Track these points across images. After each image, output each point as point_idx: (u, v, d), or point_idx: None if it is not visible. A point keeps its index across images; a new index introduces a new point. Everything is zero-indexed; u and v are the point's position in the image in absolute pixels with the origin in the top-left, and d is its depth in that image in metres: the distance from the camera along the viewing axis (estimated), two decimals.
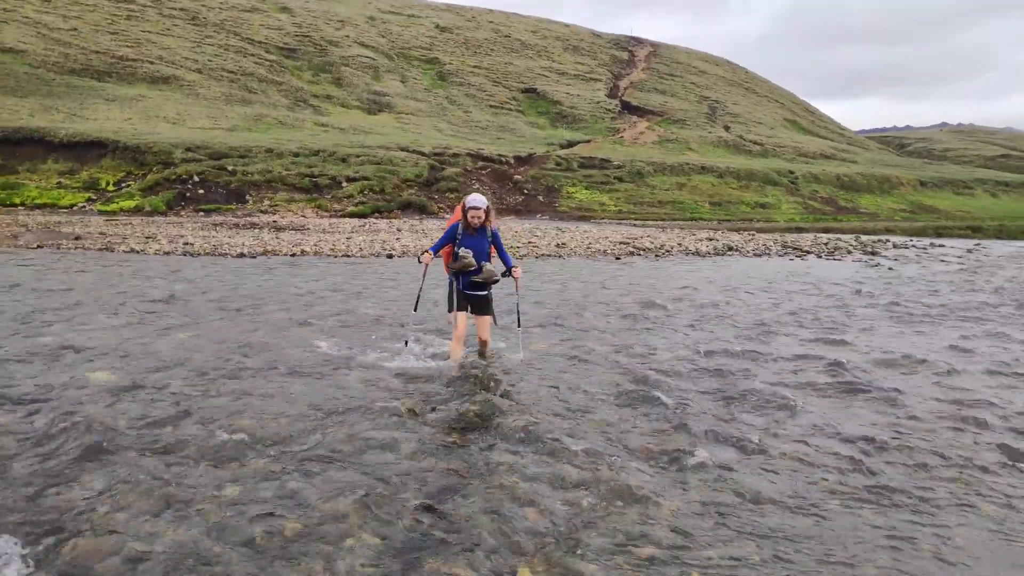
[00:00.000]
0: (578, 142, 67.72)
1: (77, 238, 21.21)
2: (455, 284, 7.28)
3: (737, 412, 6.22)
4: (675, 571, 3.60)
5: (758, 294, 13.75)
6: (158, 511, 4.04)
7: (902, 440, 5.57)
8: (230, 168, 41.45)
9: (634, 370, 7.52)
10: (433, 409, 5.94)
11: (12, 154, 40.03)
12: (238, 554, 3.62)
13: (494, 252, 7.46)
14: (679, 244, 24.79)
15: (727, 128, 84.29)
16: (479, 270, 7.15)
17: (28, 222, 26.80)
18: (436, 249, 7.24)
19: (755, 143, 79.56)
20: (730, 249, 23.74)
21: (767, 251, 23.76)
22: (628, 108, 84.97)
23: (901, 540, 3.98)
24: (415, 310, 8.13)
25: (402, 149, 50.53)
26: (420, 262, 7.10)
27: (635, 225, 39.14)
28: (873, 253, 24.96)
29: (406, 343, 7.77)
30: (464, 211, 7.12)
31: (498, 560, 3.66)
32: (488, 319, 7.46)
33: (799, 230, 40.83)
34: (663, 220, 46.32)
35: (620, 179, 55.41)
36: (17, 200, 36.64)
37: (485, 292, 7.33)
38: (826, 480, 4.79)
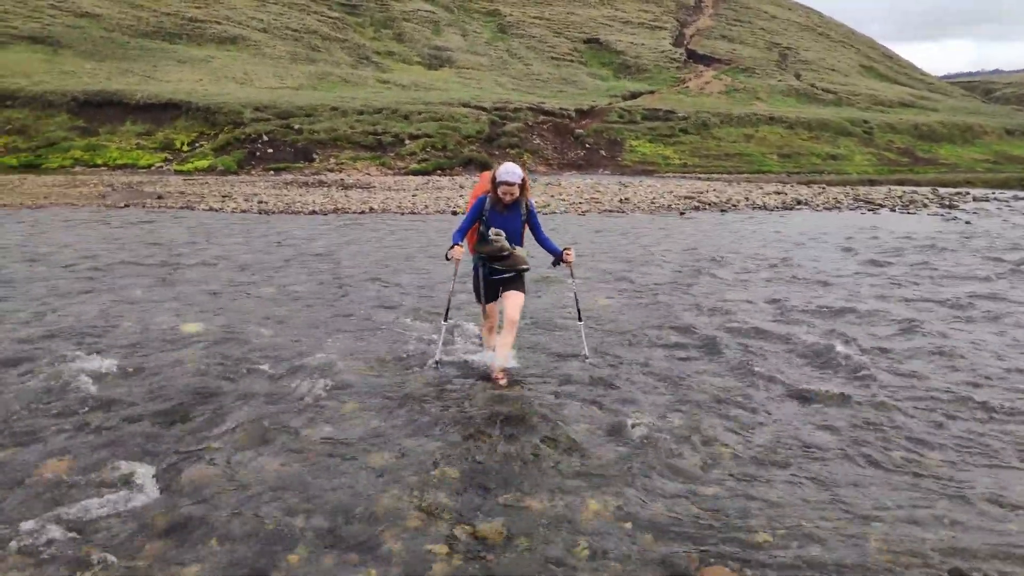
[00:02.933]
0: (641, 93, 66.25)
1: (159, 197, 22.28)
2: (480, 271, 5.95)
3: (803, 366, 6.33)
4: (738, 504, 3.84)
5: (825, 249, 13.54)
6: (260, 446, 4.50)
7: (967, 396, 5.61)
8: (296, 127, 42.37)
9: (698, 326, 7.67)
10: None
11: (94, 116, 41.86)
12: (332, 483, 4.03)
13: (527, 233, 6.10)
14: (745, 198, 24.34)
15: (798, 76, 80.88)
16: (510, 256, 5.80)
17: (113, 182, 28.20)
18: (463, 234, 5.78)
19: (828, 91, 76.22)
20: (799, 203, 23.19)
21: (838, 205, 23.13)
22: (694, 57, 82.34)
23: (958, 490, 4.11)
24: (445, 319, 6.13)
25: (463, 105, 50.54)
26: (448, 259, 5.65)
27: (700, 179, 38.43)
28: (951, 206, 24.00)
29: (436, 365, 6.05)
30: (494, 184, 5.65)
31: (567, 496, 3.96)
32: (519, 296, 5.90)
33: (872, 183, 39.34)
34: (729, 173, 45.24)
35: (685, 131, 54.17)
36: (100, 161, 38.45)
37: (512, 274, 5.94)
38: (893, 429, 4.91)
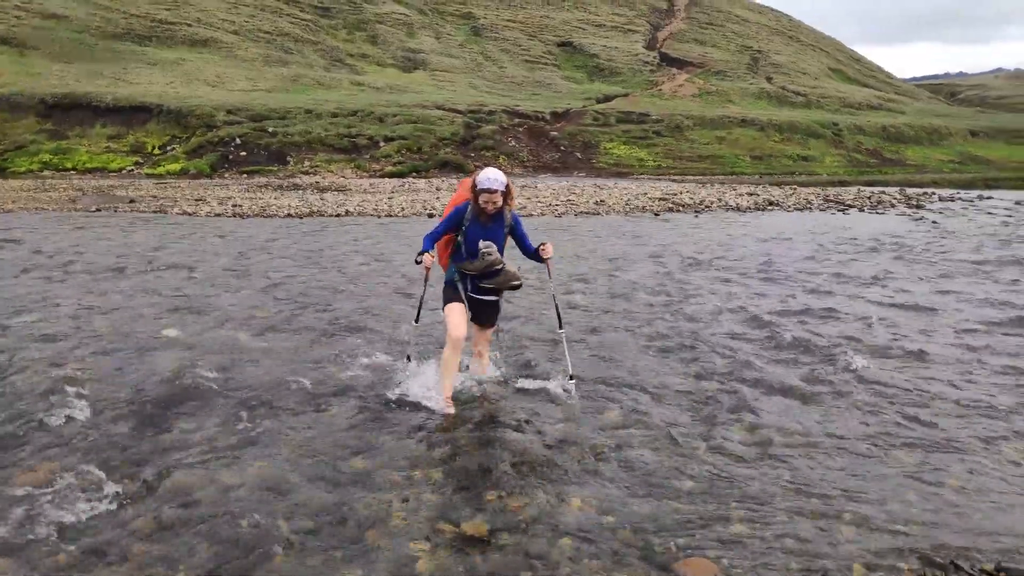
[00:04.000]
0: (615, 96, 66.75)
1: (132, 201, 22.00)
2: (460, 286, 5.38)
3: (779, 364, 6.46)
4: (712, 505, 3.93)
5: (796, 249, 13.78)
6: (240, 450, 4.50)
7: (935, 392, 5.79)
8: (270, 130, 42.06)
9: (674, 325, 7.79)
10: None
11: (63, 119, 41.17)
12: (315, 484, 4.05)
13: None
14: (719, 199, 24.65)
15: (769, 79, 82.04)
16: (501, 272, 5.27)
17: (83, 186, 27.76)
18: (433, 241, 5.27)
19: (798, 94, 77.41)
20: (771, 204, 23.55)
21: (809, 205, 23.52)
22: (667, 60, 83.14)
23: (927, 480, 4.25)
24: (416, 321, 5.86)
25: (438, 107, 50.51)
26: (418, 264, 5.16)
27: (674, 180, 38.81)
28: (918, 206, 24.51)
29: (408, 359, 5.85)
30: (475, 192, 5.08)
31: (549, 494, 4.03)
32: (490, 331, 5.72)
33: (842, 183, 40.03)
34: (703, 175, 45.75)
35: (659, 133, 54.68)
36: (69, 164, 37.82)
37: (497, 298, 5.52)
38: (864, 423, 5.05)
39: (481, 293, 5.37)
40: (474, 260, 5.24)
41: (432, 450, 4.54)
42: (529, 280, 9.62)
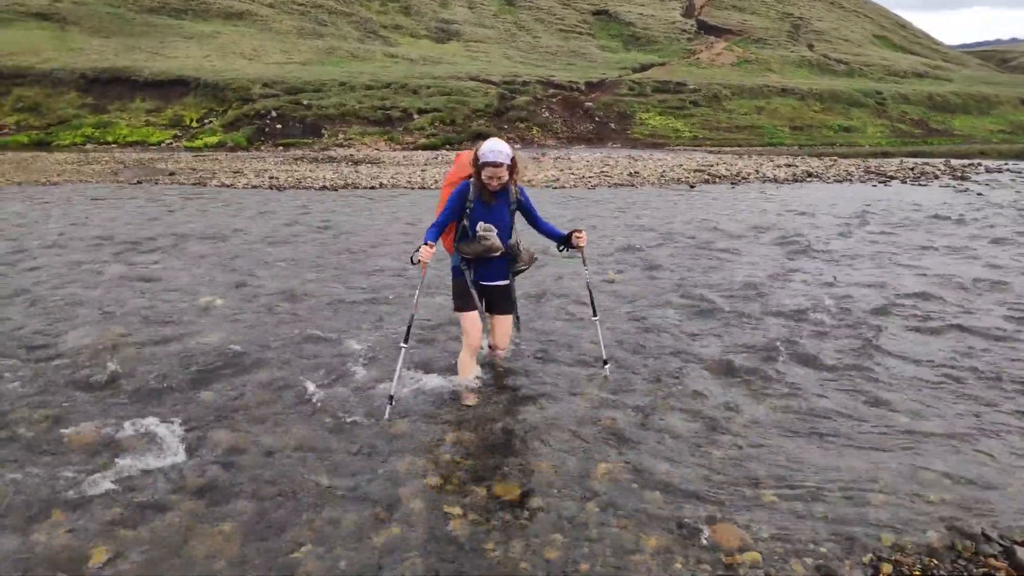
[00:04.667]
0: (652, 65, 65.61)
1: (171, 174, 22.42)
2: (465, 274, 4.90)
3: (815, 337, 6.43)
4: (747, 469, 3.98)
5: (832, 221, 13.54)
6: (282, 413, 4.66)
7: (974, 366, 5.72)
8: (305, 103, 42.31)
9: (708, 298, 7.77)
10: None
11: (103, 94, 41.92)
12: (352, 447, 4.19)
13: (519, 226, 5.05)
14: (756, 171, 24.25)
15: (810, 47, 79.75)
16: (509, 256, 4.89)
17: (124, 159, 28.35)
18: (437, 232, 4.69)
19: (840, 62, 75.19)
20: (809, 175, 23.09)
21: (849, 177, 23.01)
22: (705, 28, 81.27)
23: (961, 453, 4.23)
24: (405, 341, 4.76)
25: (471, 79, 50.24)
26: (414, 263, 4.56)
27: (711, 152, 38.21)
28: (963, 178, 23.81)
29: (391, 400, 4.63)
30: (477, 167, 4.59)
31: (580, 459, 4.11)
32: (509, 320, 5.11)
33: (885, 155, 39.01)
34: (740, 146, 44.94)
35: (696, 103, 53.71)
36: (110, 138, 38.58)
37: (507, 281, 5.02)
38: (900, 396, 5.03)
39: (486, 278, 4.94)
40: (471, 241, 4.77)
41: (465, 418, 4.64)
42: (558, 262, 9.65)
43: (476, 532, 3.39)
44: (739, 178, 22.12)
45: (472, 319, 4.89)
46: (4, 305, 7.22)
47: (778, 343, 6.13)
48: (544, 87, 51.25)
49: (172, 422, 4.49)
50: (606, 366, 5.28)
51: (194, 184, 20.07)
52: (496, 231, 4.76)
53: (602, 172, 23.42)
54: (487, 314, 5.06)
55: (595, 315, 5.30)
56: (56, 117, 39.73)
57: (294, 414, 4.64)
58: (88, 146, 36.82)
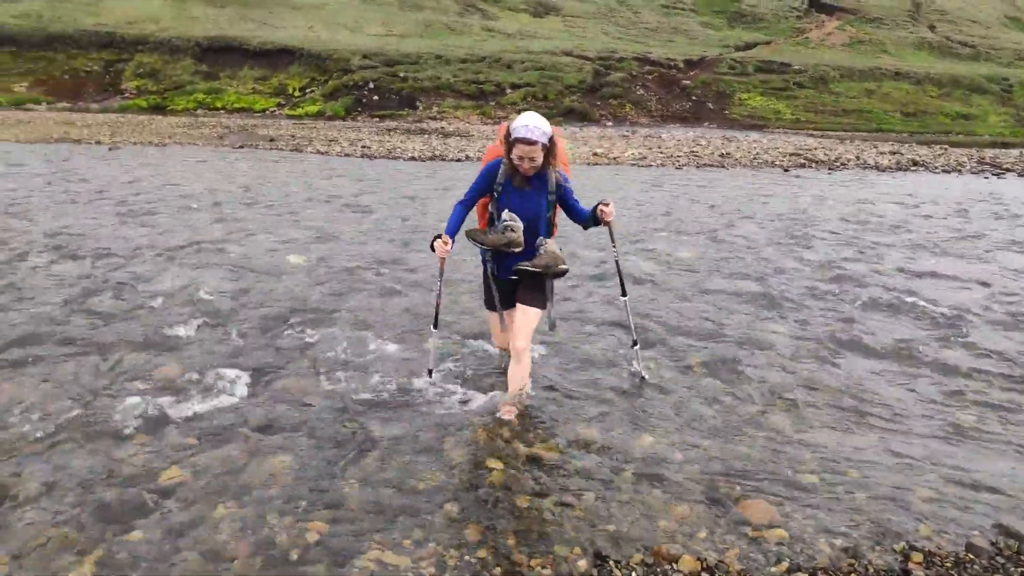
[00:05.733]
0: (756, 44, 63.13)
1: (271, 140, 23.47)
2: (487, 265, 4.38)
3: (879, 327, 6.23)
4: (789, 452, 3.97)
5: (929, 211, 12.83)
6: (345, 365, 4.95)
7: None
8: (402, 75, 43.14)
9: (778, 281, 7.61)
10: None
11: (215, 61, 44.08)
12: (405, 399, 4.42)
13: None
14: (856, 157, 23.13)
15: (932, 28, 74.63)
16: (531, 251, 4.15)
17: (230, 124, 29.86)
18: (459, 220, 4.16)
19: (965, 45, 70.05)
20: (915, 164, 21.83)
21: (959, 167, 21.61)
22: (816, 6, 77.31)
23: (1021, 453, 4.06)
24: (435, 326, 4.56)
25: (566, 54, 49.83)
26: (435, 251, 4.09)
27: (812, 135, 36.62)
28: None
29: (430, 373, 4.66)
30: (508, 144, 3.99)
31: (623, 430, 4.19)
32: (530, 314, 4.20)
33: (1005, 145, 36.29)
34: (845, 131, 42.81)
35: (800, 85, 51.40)
36: (220, 104, 40.59)
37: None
38: (963, 391, 4.85)
39: (509, 271, 4.23)
40: (490, 230, 4.16)
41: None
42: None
43: (512, 484, 3.54)
44: (837, 163, 21.17)
45: (493, 320, 4.56)
46: (108, 253, 7.88)
47: (845, 331, 5.98)
48: (640, 64, 50.27)
49: (245, 366, 4.85)
50: (635, 347, 4.90)
51: (291, 150, 20.97)
52: (522, 224, 4.08)
53: (692, 152, 22.92)
54: (509, 313, 4.37)
55: (624, 294, 4.83)
56: (172, 83, 42.10)
57: (357, 368, 4.92)
58: (199, 111, 38.90)
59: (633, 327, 4.91)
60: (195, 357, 4.99)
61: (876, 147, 27.93)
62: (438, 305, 4.56)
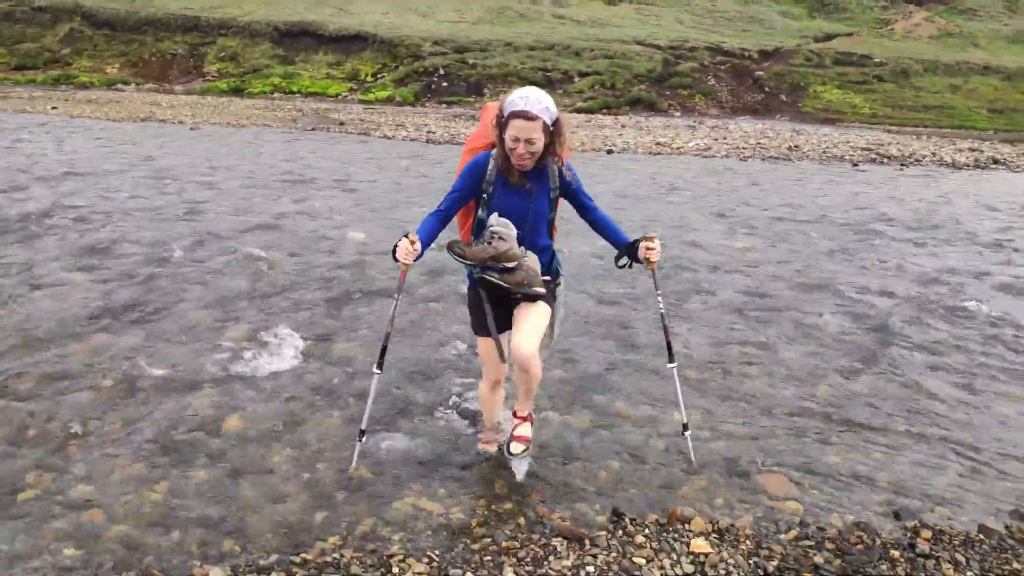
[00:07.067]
0: (837, 35, 60.97)
1: (341, 123, 24.20)
2: (478, 286, 3.40)
3: (930, 323, 6.18)
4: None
5: (998, 212, 12.36)
6: (398, 334, 5.27)
7: None
8: (470, 62, 43.51)
9: (832, 273, 7.58)
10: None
11: (292, 46, 45.41)
12: (452, 370, 4.70)
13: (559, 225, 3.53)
14: (932, 153, 22.29)
15: None
16: (515, 267, 3.20)
17: (304, 108, 30.81)
18: (434, 227, 3.24)
19: None
20: (995, 162, 20.89)
21: None
22: None
23: None
24: (379, 367, 3.46)
25: (637, 43, 49.31)
26: (396, 260, 3.18)
27: (889, 131, 35.35)
28: None
29: (360, 435, 3.52)
30: (500, 124, 3.12)
31: (656, 406, 4.37)
32: (536, 312, 3.30)
33: None
34: (925, 127, 41.12)
35: (880, 78, 49.49)
36: (294, 88, 41.83)
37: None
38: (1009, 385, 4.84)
39: (496, 290, 3.30)
40: (474, 242, 3.24)
41: (556, 353, 4.99)
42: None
43: (541, 447, 3.77)
44: (911, 160, 20.46)
45: (487, 347, 3.47)
46: (188, 221, 8.44)
47: (896, 326, 5.97)
48: (712, 54, 49.31)
49: (306, 331, 5.23)
50: (687, 432, 3.69)
51: (360, 134, 21.56)
52: (515, 230, 3.17)
53: (759, 144, 22.51)
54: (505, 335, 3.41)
55: (671, 361, 3.66)
56: (251, 66, 43.59)
57: (409, 338, 5.23)
58: (275, 95, 40.20)
59: (683, 405, 3.68)
60: (260, 320, 5.39)
61: (954, 144, 26.83)
62: (388, 335, 3.49)
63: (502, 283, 3.22)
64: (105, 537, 2.94)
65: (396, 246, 3.14)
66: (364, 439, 3.55)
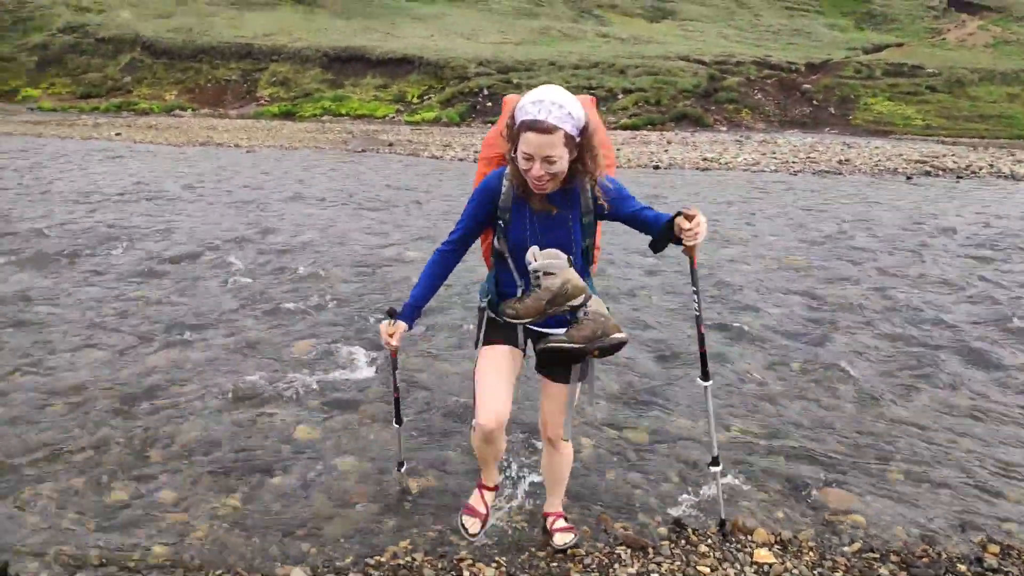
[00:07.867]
0: (886, 46, 59.92)
1: (390, 144, 24.71)
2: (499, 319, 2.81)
3: (992, 340, 6.06)
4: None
5: None
6: (455, 348, 5.41)
7: None
8: (515, 81, 43.95)
9: (888, 288, 7.48)
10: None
11: (340, 70, 46.61)
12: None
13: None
14: (990, 165, 21.67)
15: None
16: (578, 310, 2.60)
17: (353, 130, 31.60)
18: (434, 284, 2.88)
19: None
20: None
21: None
22: (956, 4, 72.40)
23: None
24: (398, 422, 3.43)
25: (681, 59, 49.20)
26: (383, 337, 2.88)
27: (943, 142, 34.47)
28: None
29: (400, 466, 3.61)
30: (513, 135, 2.46)
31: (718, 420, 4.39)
32: (560, 389, 2.84)
33: None
34: (982, 137, 39.94)
35: (933, 89, 48.35)
36: (344, 110, 42.87)
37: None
38: None
39: (545, 323, 2.70)
40: (524, 295, 2.64)
41: (612, 367, 5.06)
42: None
43: (601, 461, 3.85)
44: (967, 172, 19.94)
45: (489, 378, 2.80)
46: (252, 240, 8.76)
47: (953, 342, 5.87)
48: (759, 68, 48.87)
49: (368, 345, 5.40)
50: (716, 468, 3.13)
51: (408, 154, 22.01)
52: (563, 253, 2.55)
53: (808, 158, 22.22)
54: (542, 381, 2.91)
55: (706, 379, 3.01)
56: (301, 91, 44.86)
57: (463, 351, 5.36)
58: (325, 117, 41.25)
59: (715, 435, 3.15)
60: (326, 335, 5.59)
61: (1013, 154, 26.04)
62: (397, 398, 3.40)
63: (572, 347, 2.55)
64: (191, 538, 3.11)
65: (380, 325, 2.83)
66: (404, 468, 3.61)
